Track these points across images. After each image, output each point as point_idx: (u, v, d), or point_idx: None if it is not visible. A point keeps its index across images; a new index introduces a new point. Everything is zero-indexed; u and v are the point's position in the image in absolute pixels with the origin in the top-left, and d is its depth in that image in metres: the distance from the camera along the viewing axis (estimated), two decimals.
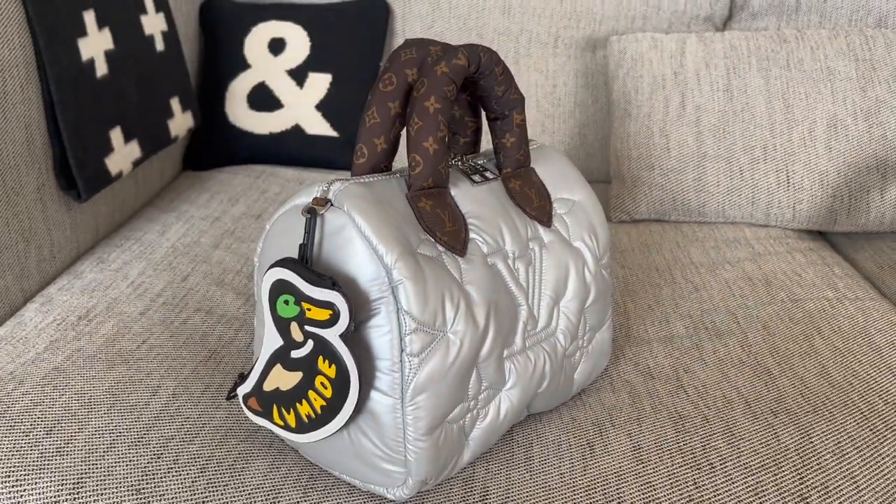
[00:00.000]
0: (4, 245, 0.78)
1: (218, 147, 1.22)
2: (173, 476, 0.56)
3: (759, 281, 0.86)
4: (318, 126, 1.20)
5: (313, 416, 0.51)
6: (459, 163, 0.60)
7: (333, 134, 1.20)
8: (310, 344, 0.49)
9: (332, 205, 0.50)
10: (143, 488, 0.55)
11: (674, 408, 0.65)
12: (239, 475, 0.57)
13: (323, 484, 0.56)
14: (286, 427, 0.53)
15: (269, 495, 0.55)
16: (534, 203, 0.61)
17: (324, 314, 0.47)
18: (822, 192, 0.99)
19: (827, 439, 0.61)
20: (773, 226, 1.02)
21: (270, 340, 0.51)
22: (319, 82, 1.20)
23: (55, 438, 0.59)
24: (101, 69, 0.91)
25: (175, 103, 1.09)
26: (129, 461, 0.57)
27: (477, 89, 0.59)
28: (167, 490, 0.55)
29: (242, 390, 0.55)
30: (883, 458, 0.59)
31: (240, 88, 1.21)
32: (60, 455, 0.57)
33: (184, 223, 1.00)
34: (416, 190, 0.53)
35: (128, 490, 0.55)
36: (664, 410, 0.64)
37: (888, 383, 0.68)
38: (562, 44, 1.21)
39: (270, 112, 1.21)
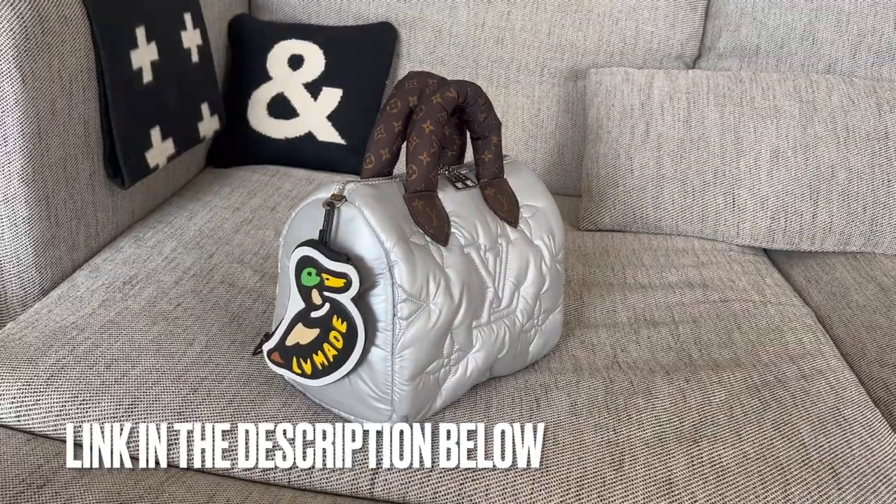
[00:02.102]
0: (61, 221, 0.94)
1: (239, 148, 1.37)
2: (207, 405, 0.71)
3: (697, 284, 1.02)
4: (329, 134, 1.36)
5: (326, 363, 0.66)
6: (447, 172, 0.76)
7: (342, 142, 1.35)
8: (327, 306, 0.64)
9: (346, 200, 0.66)
10: (183, 411, 0.70)
11: (607, 375, 0.80)
12: (259, 408, 0.72)
13: (325, 418, 0.71)
14: (303, 374, 0.68)
15: (284, 421, 0.70)
16: (504, 207, 0.76)
17: (339, 282, 0.63)
18: (762, 214, 1.15)
19: (723, 404, 0.76)
20: (720, 240, 1.18)
21: (294, 305, 0.67)
22: (331, 96, 1.36)
23: (113, 372, 0.74)
24: (147, 76, 1.07)
25: (205, 108, 1.24)
26: (172, 392, 0.73)
27: (464, 114, 0.74)
28: (202, 414, 0.70)
29: (267, 347, 0.70)
30: (765, 422, 0.74)
31: (261, 97, 1.37)
32: (118, 384, 0.73)
33: (208, 211, 1.15)
34: (411, 192, 0.69)
35: (171, 412, 0.70)
36: (599, 377, 0.80)
37: (786, 368, 0.84)
38: (547, 73, 1.38)
39: (287, 120, 1.36)
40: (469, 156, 0.78)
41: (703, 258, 1.11)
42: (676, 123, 1.20)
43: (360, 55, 1.37)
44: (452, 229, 0.71)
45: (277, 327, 0.69)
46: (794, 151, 1.16)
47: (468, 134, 0.78)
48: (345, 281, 0.63)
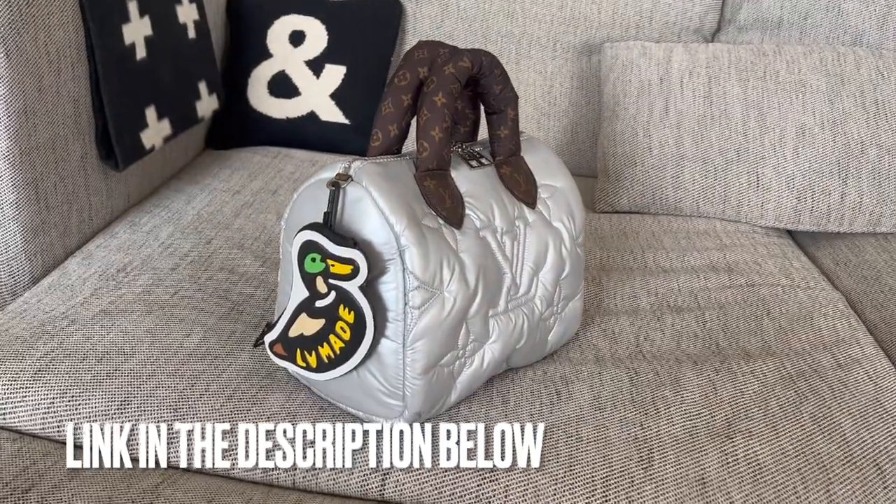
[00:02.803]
0: (52, 206, 0.89)
1: (239, 128, 1.32)
2: (205, 401, 0.67)
3: (722, 268, 0.97)
4: (332, 113, 1.30)
5: (332, 356, 0.61)
6: (460, 149, 0.70)
7: (345, 121, 1.30)
8: (332, 295, 0.60)
9: (352, 180, 0.61)
10: (180, 408, 0.66)
11: (631, 366, 0.76)
12: (261, 403, 0.67)
13: (331, 414, 0.67)
14: (307, 367, 0.63)
15: (286, 419, 0.65)
16: (521, 187, 0.71)
17: (346, 269, 0.58)
18: (788, 194, 1.10)
19: (757, 396, 0.71)
20: (743, 222, 1.12)
21: (297, 293, 0.62)
22: (334, 73, 1.30)
23: (105, 366, 0.70)
24: (141, 52, 1.01)
25: (203, 86, 1.19)
26: (168, 387, 0.68)
27: (478, 87, 0.69)
28: (199, 411, 0.66)
29: (269, 338, 0.65)
30: (802, 415, 0.70)
31: (261, 76, 1.31)
32: (110, 379, 0.68)
33: (207, 194, 1.10)
34: (422, 171, 0.64)
35: (167, 409, 0.66)
36: (622, 368, 0.75)
37: (820, 357, 0.79)
38: (560, 48, 1.32)
39: (288, 99, 1.31)
40: (483, 132, 0.73)
41: (727, 241, 1.06)
42: (697, 100, 1.15)
43: (363, 30, 1.31)
44: (467, 211, 0.66)
45: (280, 317, 0.65)
46: (821, 127, 1.11)
47: (482, 108, 0.72)
48: (352, 267, 0.58)
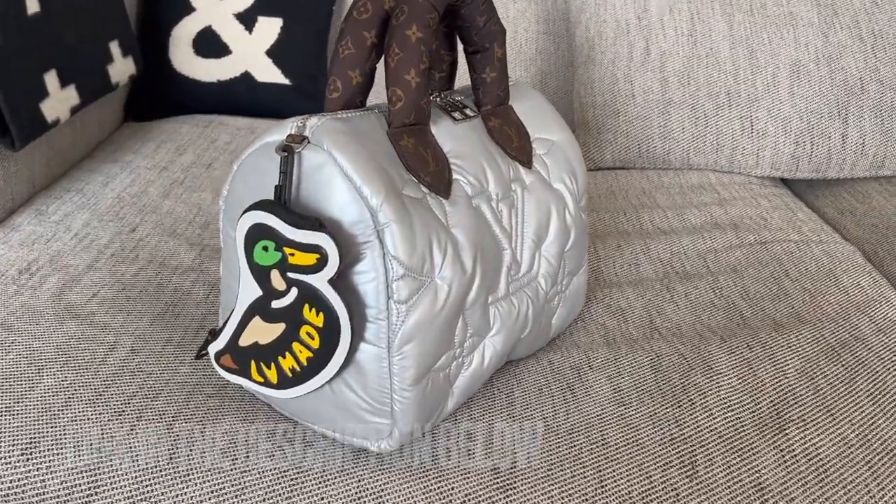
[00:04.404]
0: None
1: (162, 96, 1.15)
2: (137, 433, 0.53)
3: (726, 225, 0.86)
4: (269, 73, 1.14)
5: (298, 369, 0.48)
6: (438, 99, 0.57)
7: (285, 81, 1.14)
8: (293, 292, 0.46)
9: (309, 142, 0.47)
10: (105, 447, 0.51)
11: (650, 348, 0.64)
12: (209, 431, 0.53)
13: (300, 437, 0.54)
14: (266, 383, 0.50)
15: (241, 451, 0.52)
16: (514, 143, 0.58)
17: (309, 259, 0.44)
18: (784, 139, 1.00)
19: (801, 375, 0.61)
20: (737, 172, 1.02)
21: (247, 291, 0.48)
22: (269, 27, 1.14)
23: (3, 397, 0.55)
24: (33, 6, 0.84)
25: (115, 47, 1.02)
26: (88, 419, 0.53)
27: (457, 19, 0.55)
28: (131, 448, 0.51)
29: (214, 348, 0.51)
30: (857, 393, 0.59)
31: (184, 33, 1.14)
32: (10, 414, 0.53)
33: (129, 173, 0.94)
34: (397, 126, 0.50)
35: (87, 449, 0.51)
36: (640, 351, 0.64)
37: (857, 321, 0.69)
38: None
39: (217, 59, 1.14)
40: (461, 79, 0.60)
41: (725, 194, 0.95)
42: (680, 39, 1.03)
43: None
44: (454, 175, 0.53)
45: (226, 322, 0.51)
46: (816, 64, 1.00)
47: (461, 47, 0.59)
48: (317, 256, 0.44)
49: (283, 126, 0.48)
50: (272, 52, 1.14)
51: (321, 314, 0.46)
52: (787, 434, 0.55)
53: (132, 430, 0.53)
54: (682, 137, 1.01)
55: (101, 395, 0.56)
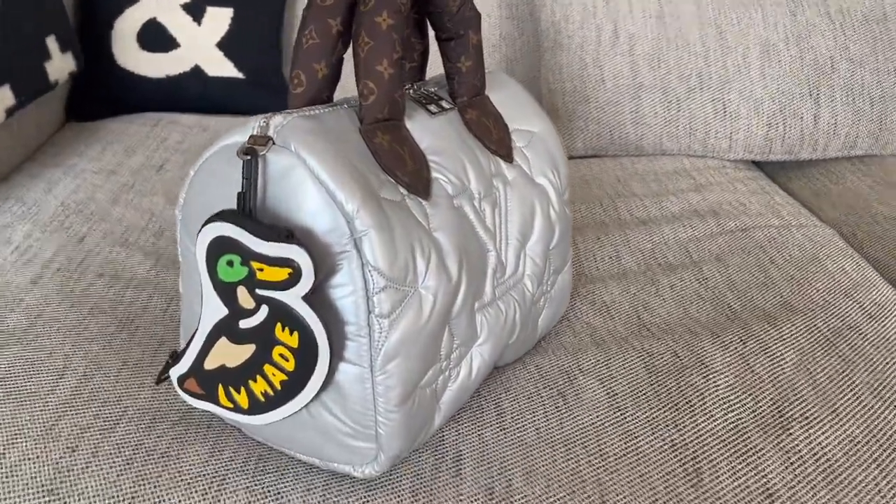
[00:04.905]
0: None
1: (106, 94, 1.08)
2: (94, 471, 0.48)
3: (706, 212, 0.84)
4: (221, 67, 1.08)
5: (271, 393, 0.44)
6: (411, 91, 0.53)
7: (238, 75, 1.08)
8: (264, 310, 0.41)
9: (274, 143, 0.42)
10: (57, 488, 0.46)
11: (641, 347, 0.61)
12: (174, 464, 0.49)
13: (275, 465, 0.49)
14: (236, 409, 0.45)
15: (212, 484, 0.47)
16: (493, 135, 0.54)
17: (280, 274, 0.40)
18: (757, 121, 0.98)
19: (799, 369, 0.59)
20: (710, 156, 1.00)
21: (211, 310, 0.43)
22: (219, 17, 1.08)
23: None
24: None
25: (52, 42, 0.95)
26: (37, 457, 0.48)
27: (428, 4, 0.51)
28: (87, 488, 0.46)
29: (176, 372, 0.47)
30: (858, 386, 0.57)
31: (127, 26, 1.07)
32: None
33: (73, 178, 0.88)
34: (369, 123, 0.46)
35: (38, 491, 0.46)
36: (631, 350, 0.61)
37: (847, 308, 0.67)
38: None
39: (165, 53, 1.08)
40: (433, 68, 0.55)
41: (701, 179, 0.93)
42: (648, 21, 1.00)
43: None
44: (433, 173, 0.48)
45: (189, 343, 0.46)
46: (786, 43, 0.98)
47: (432, 35, 0.55)
48: (290, 271, 0.40)
49: (245, 126, 0.43)
50: (223, 45, 1.08)
51: (295, 333, 0.42)
52: (791, 434, 0.52)
53: (87, 466, 0.48)
54: (655, 122, 0.98)
55: (51, 430, 0.50)
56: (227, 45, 1.08)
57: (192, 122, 1.06)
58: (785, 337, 0.62)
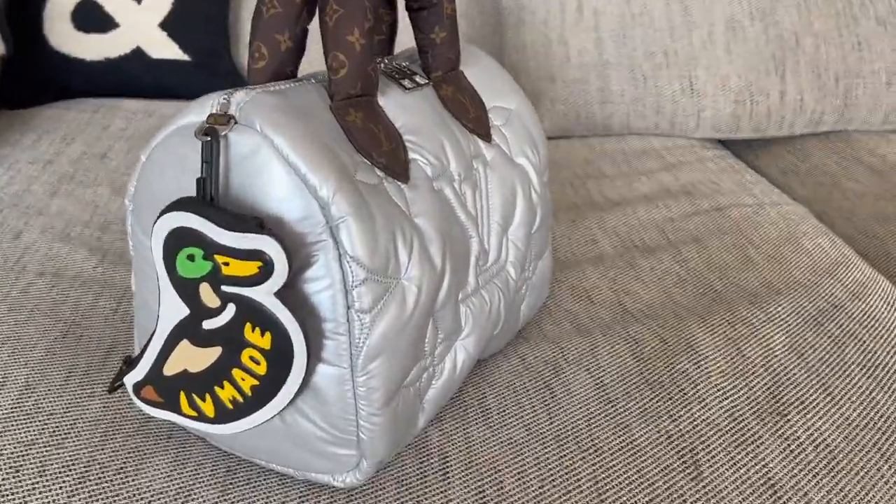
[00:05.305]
0: None
1: (39, 78, 1.01)
2: (41, 492, 0.43)
3: (679, 192, 0.82)
4: (164, 48, 1.02)
5: (241, 400, 0.39)
6: (382, 65, 0.48)
7: (184, 57, 1.02)
8: (230, 309, 0.37)
9: (236, 122, 0.38)
10: None
11: (626, 333, 0.59)
12: (132, 480, 0.44)
13: (245, 477, 0.45)
14: (201, 418, 0.41)
15: (175, 501, 0.43)
16: (470, 113, 0.51)
17: (249, 268, 0.35)
18: (724, 98, 0.96)
19: (790, 351, 0.57)
20: (678, 135, 0.98)
21: (169, 310, 0.38)
22: None
23: None
24: None
25: None
26: None
27: None
28: None
29: (131, 379, 0.42)
30: (850, 367, 0.56)
31: (60, 5, 1.00)
32: None
33: (6, 169, 0.81)
34: (341, 99, 0.42)
35: None
36: (616, 338, 0.58)
37: (830, 287, 0.65)
38: None
39: (103, 33, 1.01)
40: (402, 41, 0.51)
41: (670, 159, 0.91)
42: None
43: None
44: (410, 154, 0.44)
45: (145, 348, 0.41)
46: (750, 19, 0.97)
47: (404, 5, 0.50)
48: (259, 264, 0.36)
49: (202, 104, 0.39)
50: (167, 25, 1.01)
51: (267, 334, 0.37)
52: (788, 420, 0.50)
53: (34, 488, 0.43)
54: (622, 101, 0.96)
55: None
56: (171, 25, 1.01)
57: (135, 107, 1.00)
58: (773, 318, 0.60)
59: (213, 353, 0.39)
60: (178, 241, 0.37)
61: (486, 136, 0.51)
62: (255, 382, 0.39)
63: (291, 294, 0.38)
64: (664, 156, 0.92)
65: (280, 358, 0.38)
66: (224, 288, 0.37)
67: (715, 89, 0.96)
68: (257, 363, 0.39)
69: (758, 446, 0.49)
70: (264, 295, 0.36)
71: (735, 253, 0.71)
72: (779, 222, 0.77)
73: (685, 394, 0.52)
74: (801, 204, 0.87)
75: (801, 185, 0.91)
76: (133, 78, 1.02)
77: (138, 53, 1.01)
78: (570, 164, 0.89)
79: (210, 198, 0.37)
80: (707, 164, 0.89)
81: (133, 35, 1.01)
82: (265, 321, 0.37)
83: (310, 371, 0.39)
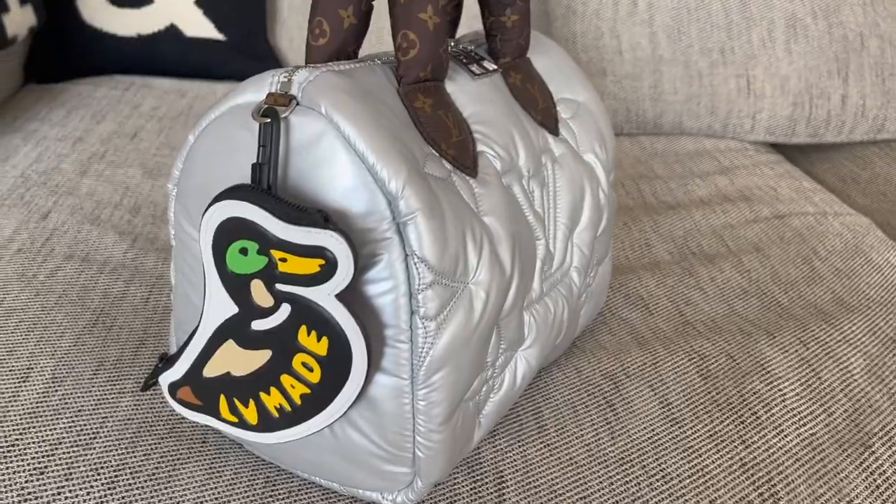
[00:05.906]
0: None
1: (71, 53, 0.97)
2: (67, 497, 0.39)
3: (736, 197, 0.78)
4: (199, 26, 0.98)
5: (288, 408, 0.36)
6: (450, 48, 0.45)
7: (218, 36, 0.99)
8: (285, 310, 0.33)
9: (298, 103, 0.34)
10: None
11: (689, 347, 0.55)
12: (165, 486, 0.41)
13: (285, 489, 0.41)
14: (241, 424, 0.37)
15: None
16: (538, 104, 0.47)
17: (309, 266, 0.32)
18: (782, 100, 0.91)
19: (870, 376, 0.53)
20: (730, 137, 0.94)
21: (215, 307, 0.35)
22: None
23: None
24: None
25: None
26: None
27: None
28: None
29: (168, 378, 0.38)
30: None
31: None
32: None
33: (34, 145, 0.78)
34: (410, 82, 0.38)
35: None
36: (679, 352, 0.54)
37: None
38: None
39: (137, 8, 0.97)
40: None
41: (725, 162, 0.87)
42: None
43: None
44: (479, 146, 0.41)
45: (185, 345, 0.38)
46: (813, 17, 0.92)
47: None
48: (322, 262, 0.32)
49: (260, 82, 0.35)
50: (202, 2, 0.98)
51: (324, 339, 0.34)
52: (873, 452, 0.46)
53: (59, 492, 0.40)
54: (675, 99, 0.91)
55: (13, 446, 0.42)
56: (207, 3, 0.98)
57: (168, 86, 0.97)
58: (848, 338, 0.56)
59: (261, 357, 0.36)
60: (230, 232, 0.33)
61: (554, 130, 0.47)
62: (307, 391, 0.36)
63: (350, 297, 0.34)
64: (718, 158, 0.87)
65: (337, 366, 0.34)
66: (279, 286, 0.33)
67: (773, 90, 0.91)
68: (310, 370, 0.35)
69: (841, 479, 0.44)
70: (324, 296, 0.33)
71: (800, 264, 0.67)
72: (843, 233, 0.72)
73: (758, 417, 0.48)
74: (865, 213, 0.82)
75: (862, 194, 0.87)
76: (166, 56, 0.99)
77: (172, 31, 0.98)
78: (620, 163, 0.85)
79: (267, 186, 0.33)
80: (763, 169, 0.85)
81: (168, 12, 0.97)
82: (323, 325, 0.33)
83: (367, 381, 0.36)
